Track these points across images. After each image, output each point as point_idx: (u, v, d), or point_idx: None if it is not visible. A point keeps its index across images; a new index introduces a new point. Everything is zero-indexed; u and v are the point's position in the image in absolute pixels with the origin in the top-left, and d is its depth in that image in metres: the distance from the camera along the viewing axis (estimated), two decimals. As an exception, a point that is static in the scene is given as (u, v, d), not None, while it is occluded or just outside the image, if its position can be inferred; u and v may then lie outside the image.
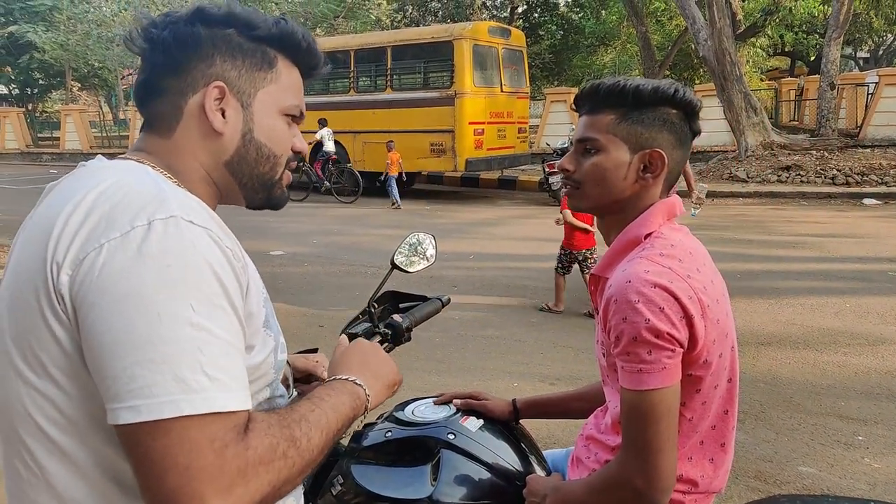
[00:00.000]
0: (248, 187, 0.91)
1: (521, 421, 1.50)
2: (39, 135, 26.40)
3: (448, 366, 4.09)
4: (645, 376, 0.99)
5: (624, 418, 1.03)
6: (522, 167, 14.08)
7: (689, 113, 1.13)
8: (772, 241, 7.58)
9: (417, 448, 1.37)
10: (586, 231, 5.20)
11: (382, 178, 11.31)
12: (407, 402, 1.52)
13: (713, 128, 15.20)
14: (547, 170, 10.85)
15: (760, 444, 3.04)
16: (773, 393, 3.59)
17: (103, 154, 0.87)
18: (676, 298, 0.98)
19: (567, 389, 1.58)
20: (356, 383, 0.91)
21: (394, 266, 1.54)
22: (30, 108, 28.81)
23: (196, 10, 0.87)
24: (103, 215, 0.70)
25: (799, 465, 2.86)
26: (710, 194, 11.16)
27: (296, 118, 0.93)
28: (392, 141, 11.45)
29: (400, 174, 11.30)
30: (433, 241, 1.64)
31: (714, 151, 14.80)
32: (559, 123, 15.95)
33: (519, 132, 13.15)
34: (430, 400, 1.51)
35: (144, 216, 0.70)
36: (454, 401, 1.45)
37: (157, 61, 0.85)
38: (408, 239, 1.59)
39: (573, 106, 1.20)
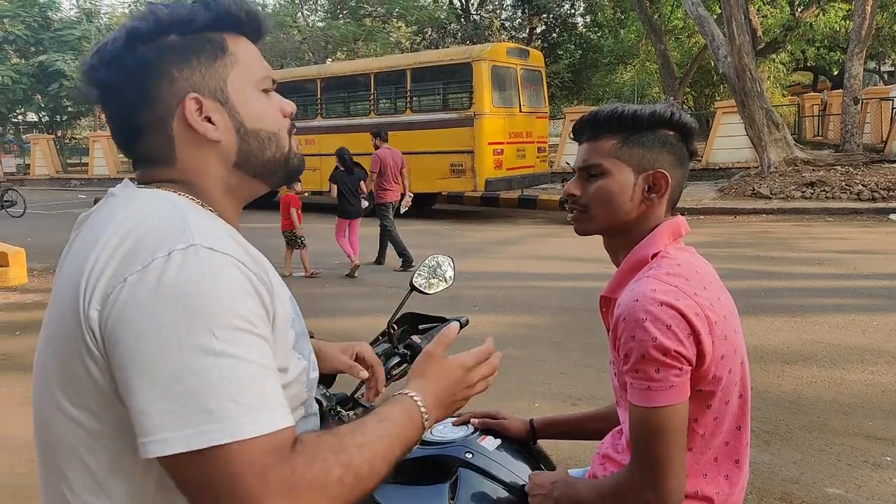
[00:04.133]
0: (264, 174, 0.89)
1: (539, 441, 1.51)
2: (68, 161, 27.08)
3: (469, 386, 4.09)
4: (653, 394, 1.00)
5: (633, 434, 1.04)
6: (543, 186, 14.10)
7: (686, 134, 1.17)
8: (796, 258, 7.49)
9: (436, 467, 1.39)
10: None
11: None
12: None
13: (735, 144, 15.13)
14: (567, 188, 10.85)
15: (787, 465, 3.00)
16: (800, 413, 3.54)
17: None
18: (683, 316, 1.00)
19: (586, 410, 1.58)
20: (423, 417, 0.85)
21: (413, 288, 1.58)
22: (59, 134, 29.57)
23: (128, 33, 0.82)
24: (128, 249, 0.71)
25: (826, 486, 2.81)
26: (733, 211, 11.08)
27: (269, 88, 0.89)
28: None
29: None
30: (451, 263, 1.67)
31: (736, 168, 14.70)
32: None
33: (538, 152, 13.19)
34: (449, 420, 1.53)
35: (165, 248, 0.70)
36: (472, 420, 1.46)
37: (119, 102, 0.83)
38: (427, 262, 1.63)
39: (572, 135, 1.24)
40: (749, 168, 14.01)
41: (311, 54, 24.10)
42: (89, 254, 0.73)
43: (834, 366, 4.19)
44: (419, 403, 0.85)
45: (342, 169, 7.81)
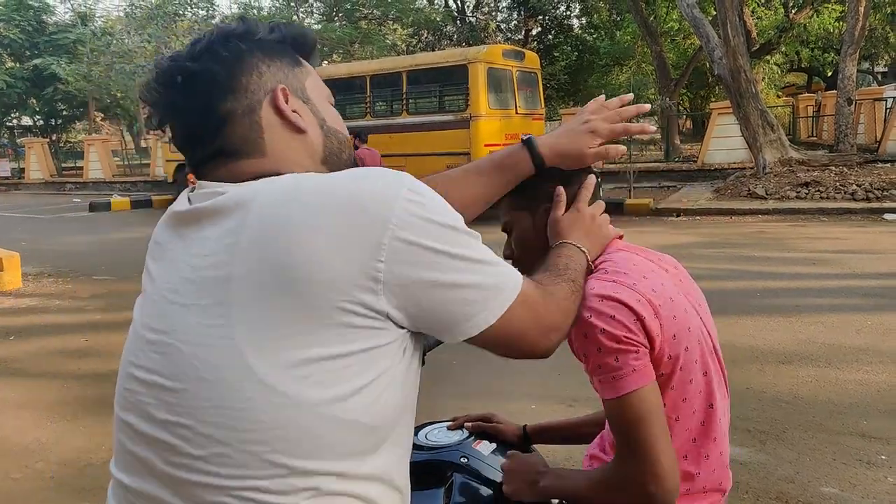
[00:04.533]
0: None
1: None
2: (63, 165, 27.01)
3: (465, 388, 4.10)
4: (619, 382, 1.03)
5: (613, 428, 1.05)
6: (539, 188, 14.10)
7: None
8: (791, 259, 7.51)
9: (431, 472, 1.39)
10: None
11: None
12: (421, 426, 1.54)
13: (730, 145, 15.18)
14: (562, 190, 10.87)
15: (782, 465, 3.00)
16: (795, 412, 3.55)
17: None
18: (625, 304, 1.04)
19: (580, 415, 1.59)
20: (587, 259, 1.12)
21: None
22: (54, 138, 29.51)
23: (221, 32, 0.87)
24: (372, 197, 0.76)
25: (821, 485, 2.82)
26: (729, 211, 11.13)
27: (332, 104, 0.97)
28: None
29: None
30: None
31: (732, 169, 14.75)
32: (574, 144, 15.97)
33: (534, 153, 13.19)
34: (444, 424, 1.53)
35: (397, 186, 0.77)
36: (466, 424, 1.47)
37: (206, 91, 0.84)
38: None
39: None
40: (745, 169, 14.05)
41: (307, 57, 24.01)
42: (304, 219, 0.74)
43: (829, 365, 4.20)
44: (584, 250, 1.12)
45: None
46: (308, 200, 0.75)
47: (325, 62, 24.10)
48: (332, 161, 0.91)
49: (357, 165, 0.95)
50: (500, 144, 12.00)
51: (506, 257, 1.31)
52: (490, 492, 1.35)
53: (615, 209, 12.07)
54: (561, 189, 1.18)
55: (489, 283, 0.83)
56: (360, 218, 0.74)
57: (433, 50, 23.27)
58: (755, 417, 3.51)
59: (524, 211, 1.26)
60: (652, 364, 1.05)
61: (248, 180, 0.82)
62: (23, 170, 25.66)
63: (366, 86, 12.94)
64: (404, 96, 12.62)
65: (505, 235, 1.34)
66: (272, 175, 0.82)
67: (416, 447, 1.46)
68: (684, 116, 29.01)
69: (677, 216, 11.48)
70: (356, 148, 8.65)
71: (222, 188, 0.81)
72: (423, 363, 1.54)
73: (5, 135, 30.40)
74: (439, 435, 1.49)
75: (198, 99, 0.85)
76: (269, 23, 0.92)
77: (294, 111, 0.87)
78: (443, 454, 1.41)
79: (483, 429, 1.45)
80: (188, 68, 0.84)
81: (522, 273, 1.18)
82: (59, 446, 3.53)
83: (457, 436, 1.47)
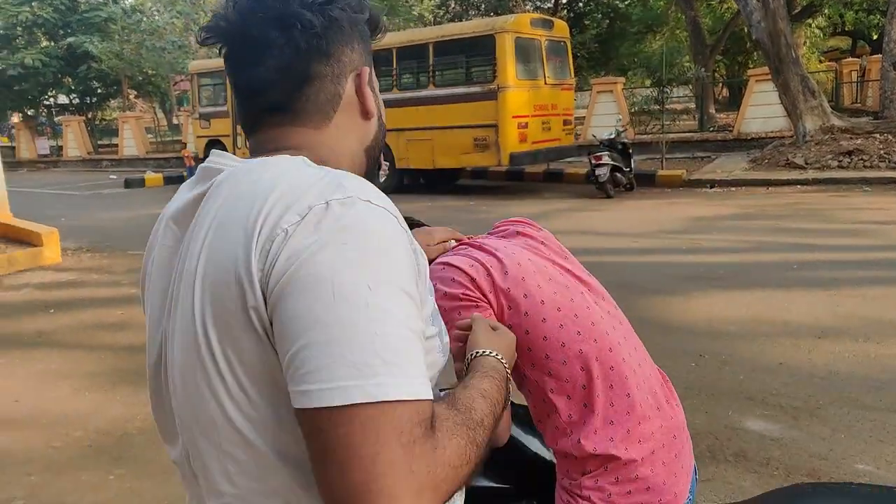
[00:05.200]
0: (370, 170, 0.90)
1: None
2: (99, 142, 27.50)
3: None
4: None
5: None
6: (569, 159, 13.91)
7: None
8: (831, 230, 7.29)
9: None
10: None
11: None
12: None
13: (768, 113, 14.70)
14: (593, 161, 10.69)
15: (815, 441, 2.93)
16: (830, 388, 3.46)
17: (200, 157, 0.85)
18: (458, 268, 1.18)
19: None
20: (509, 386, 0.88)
21: None
22: (89, 116, 29.98)
23: None
24: (283, 204, 0.68)
25: (856, 462, 2.75)
26: (766, 182, 10.82)
27: None
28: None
29: None
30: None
31: (769, 138, 14.30)
32: (606, 114, 15.68)
33: (564, 124, 12.97)
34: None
35: (322, 198, 0.67)
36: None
37: (308, 45, 0.80)
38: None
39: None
40: (783, 137, 13.62)
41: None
42: (241, 226, 0.68)
43: (868, 340, 4.08)
44: (502, 360, 0.90)
45: None
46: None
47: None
48: (374, 152, 0.90)
49: None
50: (529, 116, 11.84)
51: None
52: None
53: (646, 181, 11.84)
54: None
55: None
56: None
57: (461, 21, 22.91)
58: (788, 393, 3.43)
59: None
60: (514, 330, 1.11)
61: (279, 151, 0.80)
62: (61, 148, 26.18)
63: (392, 58, 12.82)
64: (431, 68, 12.47)
65: None
66: (309, 150, 0.80)
67: None
68: (720, 84, 28.18)
69: (711, 187, 11.21)
70: None
71: (220, 173, 0.77)
72: None
73: (43, 114, 31.00)
74: None
75: (297, 49, 0.80)
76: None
77: (371, 94, 0.87)
78: None
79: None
80: (302, 16, 0.79)
81: None
82: (96, 416, 3.63)
83: None
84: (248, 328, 0.67)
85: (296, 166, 0.75)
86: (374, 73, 0.90)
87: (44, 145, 26.93)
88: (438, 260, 1.22)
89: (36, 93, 29.18)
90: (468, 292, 1.15)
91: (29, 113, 30.57)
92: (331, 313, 0.62)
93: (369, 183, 0.74)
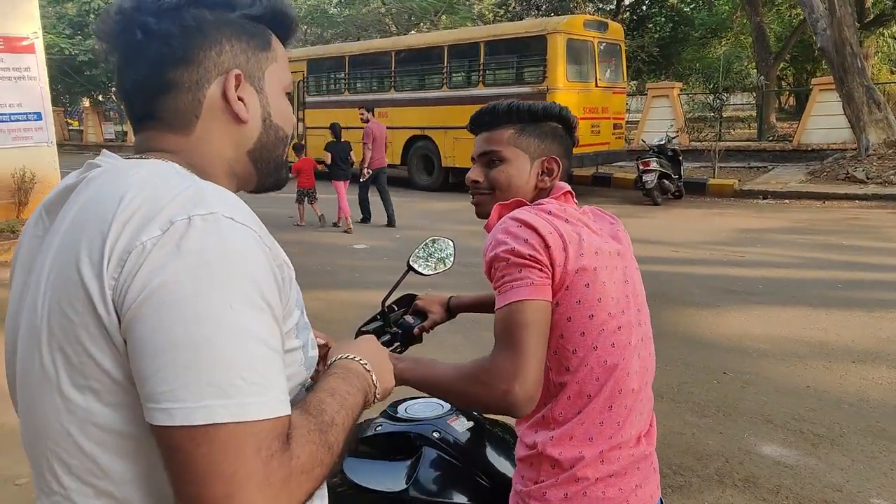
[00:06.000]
0: (264, 172, 0.89)
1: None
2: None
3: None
4: (515, 291, 1.09)
5: (497, 330, 1.10)
6: (618, 164, 13.66)
7: (570, 127, 1.33)
8: (885, 249, 6.93)
9: (402, 444, 1.41)
10: None
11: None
12: (404, 400, 1.56)
13: (831, 124, 14.09)
14: (641, 167, 10.46)
15: (832, 471, 2.79)
16: (857, 416, 3.29)
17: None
18: (536, 230, 1.12)
19: None
20: (372, 383, 0.88)
21: (409, 268, 1.57)
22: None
23: None
24: (144, 216, 0.66)
25: (872, 496, 2.60)
26: (822, 196, 10.37)
27: (290, 93, 0.93)
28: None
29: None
30: (453, 246, 1.66)
31: (831, 149, 13.72)
32: (660, 119, 15.33)
33: (614, 128, 12.74)
34: (426, 400, 1.52)
35: (184, 212, 0.66)
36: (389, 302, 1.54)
37: (159, 53, 0.79)
38: (426, 242, 1.62)
39: (469, 127, 1.36)
40: (845, 150, 13.04)
41: (395, 27, 24.09)
42: (99, 224, 0.68)
43: (907, 368, 3.87)
44: (372, 377, 0.88)
45: (334, 140, 9.28)
46: None
47: (413, 32, 24.11)
48: (262, 155, 0.87)
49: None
50: (578, 119, 11.63)
51: (472, 183, 1.34)
52: (457, 467, 1.35)
53: (697, 189, 11.52)
54: None
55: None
56: None
57: (521, 20, 22.77)
58: (811, 418, 3.28)
59: (526, 153, 1.28)
60: (553, 293, 1.11)
61: (153, 153, 0.80)
62: (125, 133, 27.26)
63: (443, 56, 12.84)
64: (481, 67, 12.43)
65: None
66: (179, 154, 0.80)
67: (393, 418, 1.48)
68: (787, 93, 27.15)
69: (763, 199, 10.83)
70: (366, 122, 9.17)
71: (95, 168, 0.77)
72: (421, 341, 1.53)
73: (112, 99, 32.28)
74: (418, 409, 1.51)
75: (149, 58, 0.80)
76: None
77: (241, 99, 0.83)
78: (416, 427, 1.43)
79: (409, 301, 1.56)
80: (147, 24, 0.78)
81: (485, 210, 1.30)
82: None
83: (436, 411, 1.47)
84: (92, 335, 0.67)
85: (163, 173, 0.73)
86: (267, 74, 0.86)
87: (110, 130, 28.08)
88: (517, 216, 1.15)
89: (105, 79, 30.38)
90: (537, 255, 1.10)
91: (98, 98, 31.88)
92: (192, 333, 0.62)
93: (233, 196, 0.73)
